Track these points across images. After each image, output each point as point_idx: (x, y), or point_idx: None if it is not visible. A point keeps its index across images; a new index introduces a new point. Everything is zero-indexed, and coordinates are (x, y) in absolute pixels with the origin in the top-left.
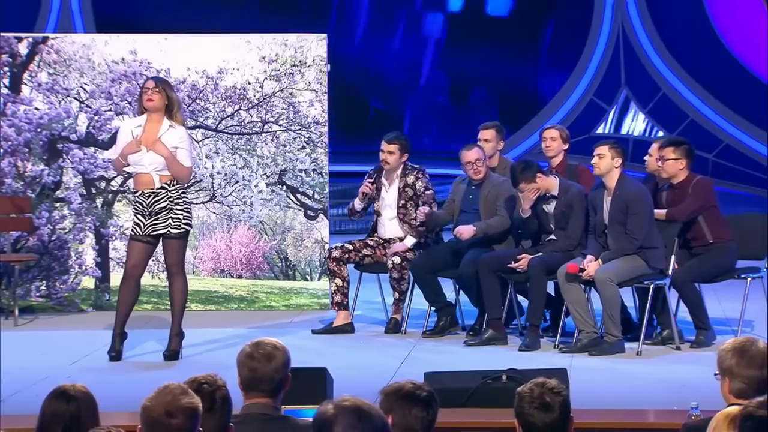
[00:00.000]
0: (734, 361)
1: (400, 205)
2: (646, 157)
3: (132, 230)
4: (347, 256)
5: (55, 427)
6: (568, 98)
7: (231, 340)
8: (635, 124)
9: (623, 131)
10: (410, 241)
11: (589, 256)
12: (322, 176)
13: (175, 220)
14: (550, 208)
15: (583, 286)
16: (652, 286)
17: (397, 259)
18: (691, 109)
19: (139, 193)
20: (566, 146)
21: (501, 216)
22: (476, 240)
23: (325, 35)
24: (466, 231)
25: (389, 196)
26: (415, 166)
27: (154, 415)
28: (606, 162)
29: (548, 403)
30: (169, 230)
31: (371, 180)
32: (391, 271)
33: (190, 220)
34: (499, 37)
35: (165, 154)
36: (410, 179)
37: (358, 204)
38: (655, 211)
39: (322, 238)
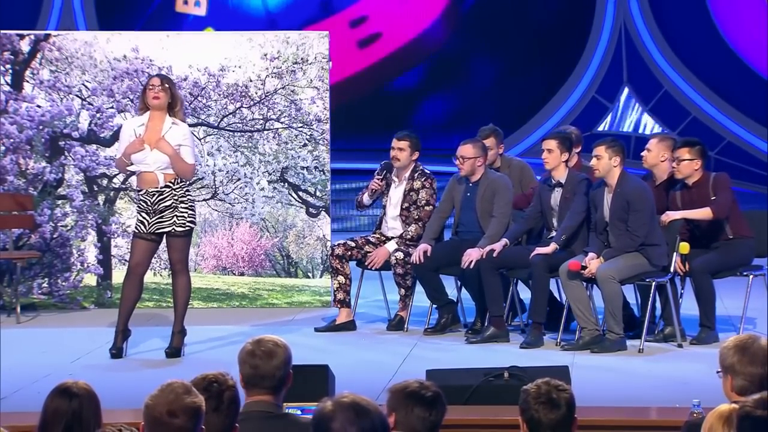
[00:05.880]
0: (736, 358)
1: (404, 207)
2: (643, 153)
3: (136, 228)
4: (350, 253)
5: (58, 424)
6: (569, 96)
7: (233, 337)
8: (637, 121)
9: (625, 129)
10: (392, 246)
11: (591, 254)
12: (324, 174)
13: (179, 218)
14: (556, 198)
15: (584, 284)
16: (654, 283)
17: (399, 255)
18: (693, 107)
19: (143, 191)
20: (578, 148)
21: (497, 218)
22: (477, 237)
23: (327, 32)
24: (475, 254)
25: (395, 196)
26: (427, 172)
27: (156, 414)
28: (604, 162)
29: (554, 399)
30: (174, 228)
31: (380, 177)
32: (394, 267)
33: (195, 218)
34: None
35: (169, 153)
36: (417, 184)
37: (366, 199)
38: (671, 212)
39: (324, 235)
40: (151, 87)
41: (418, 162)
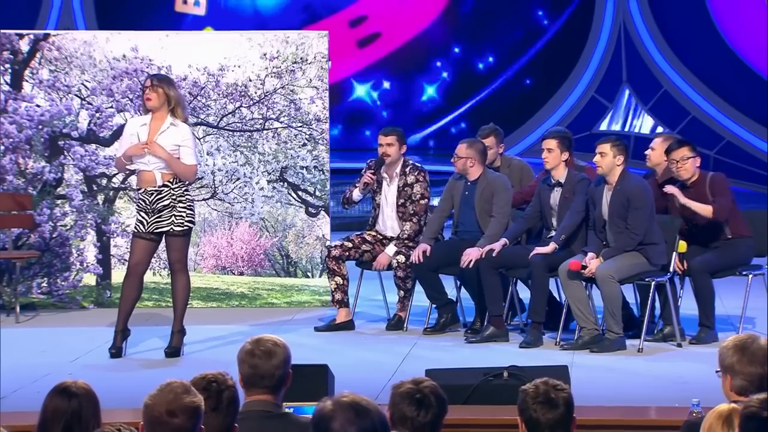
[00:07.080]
0: (735, 358)
1: (399, 203)
2: (647, 152)
3: (135, 227)
4: (347, 254)
5: (57, 423)
6: (569, 95)
7: (232, 337)
8: (637, 121)
9: (625, 128)
10: (392, 250)
11: (590, 254)
12: (323, 173)
13: (178, 217)
14: (555, 197)
15: (584, 284)
16: (653, 282)
17: (401, 258)
18: (692, 106)
19: (142, 190)
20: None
21: (496, 218)
22: (476, 237)
23: (326, 32)
24: (474, 253)
25: (390, 194)
26: (418, 165)
27: (155, 414)
28: (608, 160)
29: (552, 398)
30: (172, 228)
31: (372, 171)
32: (395, 270)
33: (193, 218)
34: None
35: (163, 156)
36: (410, 179)
37: (357, 195)
38: (672, 187)
39: (323, 235)
40: (144, 89)
41: (406, 156)
